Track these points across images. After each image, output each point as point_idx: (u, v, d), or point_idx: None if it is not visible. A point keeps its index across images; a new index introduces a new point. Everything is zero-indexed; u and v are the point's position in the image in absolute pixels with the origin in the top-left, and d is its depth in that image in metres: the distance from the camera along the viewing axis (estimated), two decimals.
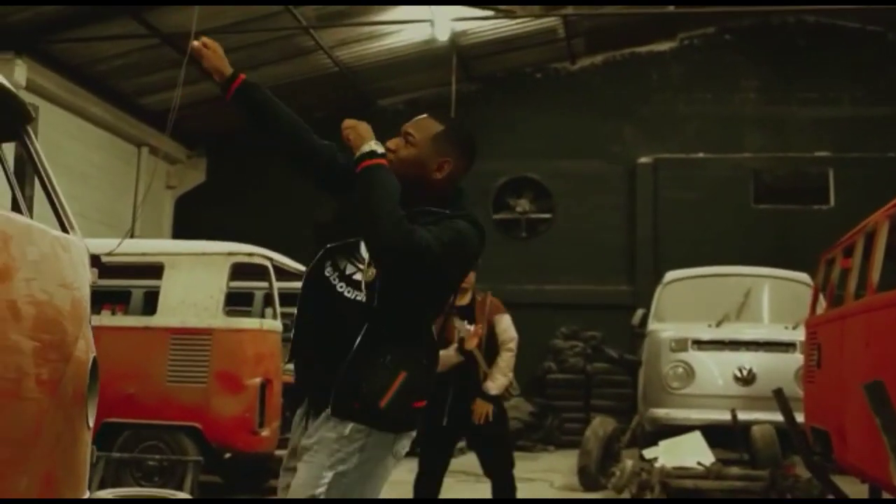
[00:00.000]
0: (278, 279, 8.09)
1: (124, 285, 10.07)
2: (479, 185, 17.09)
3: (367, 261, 2.88)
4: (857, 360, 5.46)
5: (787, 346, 9.66)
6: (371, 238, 2.80)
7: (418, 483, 5.91)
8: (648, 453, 9.18)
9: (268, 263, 7.82)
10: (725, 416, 9.12)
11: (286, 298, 8.97)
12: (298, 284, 9.00)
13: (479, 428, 5.84)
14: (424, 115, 3.12)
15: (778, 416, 8.76)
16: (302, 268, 8.81)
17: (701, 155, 17.07)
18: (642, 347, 11.06)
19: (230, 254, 7.61)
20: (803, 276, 10.45)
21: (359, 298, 2.85)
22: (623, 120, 17.45)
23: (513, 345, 6.01)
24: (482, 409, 5.79)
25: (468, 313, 5.84)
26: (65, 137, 14.73)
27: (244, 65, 15.35)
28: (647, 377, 10.52)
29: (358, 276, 2.89)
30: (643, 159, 17.17)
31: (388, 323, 2.82)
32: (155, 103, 15.93)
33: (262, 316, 9.39)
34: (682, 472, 8.45)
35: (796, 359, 9.39)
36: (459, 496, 8.35)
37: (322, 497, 2.72)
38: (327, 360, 2.83)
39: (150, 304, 9.80)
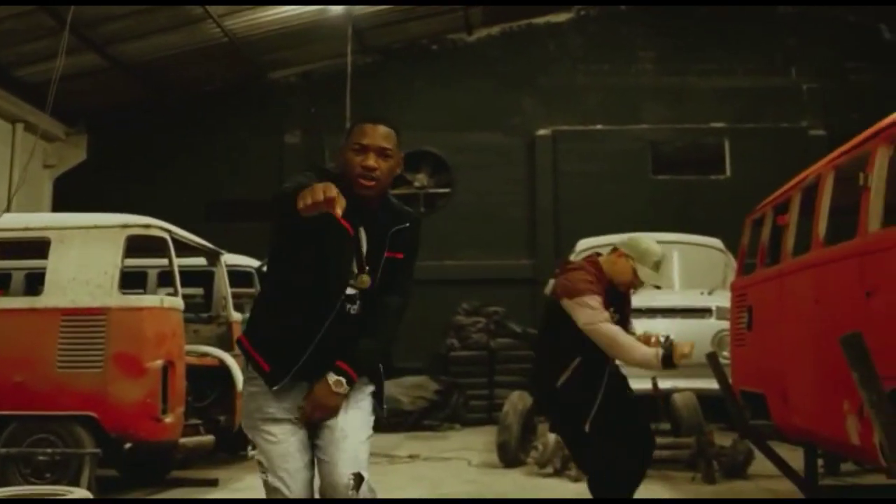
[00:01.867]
0: (176, 255, 7.49)
1: (3, 267, 9.31)
2: None
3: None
4: (803, 318, 5.25)
5: (703, 312, 9.56)
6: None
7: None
8: None
9: (166, 236, 7.21)
10: (646, 385, 8.91)
11: (183, 275, 8.40)
12: (197, 260, 8.42)
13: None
14: (383, 126, 3.34)
15: (698, 384, 8.68)
16: (201, 241, 8.23)
17: (600, 127, 17.00)
18: None
19: (125, 226, 6.97)
20: (715, 241, 10.38)
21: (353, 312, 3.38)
22: (521, 92, 17.24)
23: None
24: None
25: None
26: None
27: (132, 33, 14.53)
28: None
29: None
30: (542, 131, 17.00)
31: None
32: (30, 76, 14.91)
33: None
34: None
35: (713, 324, 9.30)
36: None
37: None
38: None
39: (32, 286, 9.07)
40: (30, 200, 15.80)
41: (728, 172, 16.71)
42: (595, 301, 4.79)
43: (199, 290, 9.75)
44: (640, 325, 9.57)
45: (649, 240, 5.09)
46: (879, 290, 4.15)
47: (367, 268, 3.31)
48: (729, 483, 7.68)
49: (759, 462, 7.77)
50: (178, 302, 7.08)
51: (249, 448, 3.20)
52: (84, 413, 6.61)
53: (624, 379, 5.13)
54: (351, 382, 3.29)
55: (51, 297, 6.81)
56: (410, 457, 9.76)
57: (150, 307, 6.86)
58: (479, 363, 15.21)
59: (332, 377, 3.25)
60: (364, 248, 3.31)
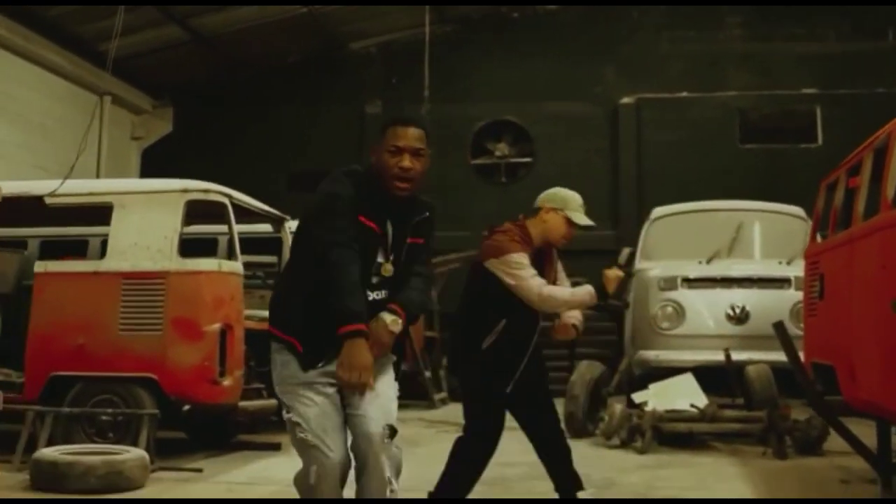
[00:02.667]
0: (239, 221, 7.51)
1: (82, 234, 9.47)
2: (456, 129, 16.53)
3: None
4: (870, 284, 4.95)
5: (781, 283, 9.20)
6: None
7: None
8: (638, 397, 8.72)
9: (226, 201, 7.22)
10: (718, 357, 8.66)
11: (250, 243, 8.43)
12: (262, 227, 8.45)
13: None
14: (414, 126, 3.54)
15: (773, 356, 8.33)
16: (264, 207, 8.24)
17: (685, 94, 16.53)
18: (629, 288, 10.56)
19: (184, 191, 7.02)
20: (797, 210, 9.97)
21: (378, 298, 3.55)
22: (604, 60, 16.86)
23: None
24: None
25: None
26: (20, 87, 14.02)
27: (210, 6, 14.68)
28: (635, 318, 10.02)
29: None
30: (625, 100, 16.62)
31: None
32: (116, 49, 15.17)
33: None
34: (675, 416, 8.02)
35: (791, 295, 8.94)
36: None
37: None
38: None
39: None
40: (118, 171, 16.17)
41: (820, 141, 16.06)
42: (523, 258, 4.62)
43: (272, 258, 9.80)
44: (716, 294, 9.36)
45: (563, 189, 4.95)
46: None
47: (391, 257, 3.53)
48: (801, 459, 7.39)
49: (834, 438, 7.45)
50: (237, 266, 7.09)
51: (284, 412, 3.23)
52: (144, 375, 6.71)
53: (544, 367, 5.11)
54: (402, 323, 3.46)
55: (112, 261, 6.91)
56: None
57: (207, 271, 6.89)
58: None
59: (388, 317, 3.43)
60: (390, 240, 3.54)
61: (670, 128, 16.23)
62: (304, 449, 3.39)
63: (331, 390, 3.44)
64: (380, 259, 3.51)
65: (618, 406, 8.36)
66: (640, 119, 16.49)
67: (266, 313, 7.96)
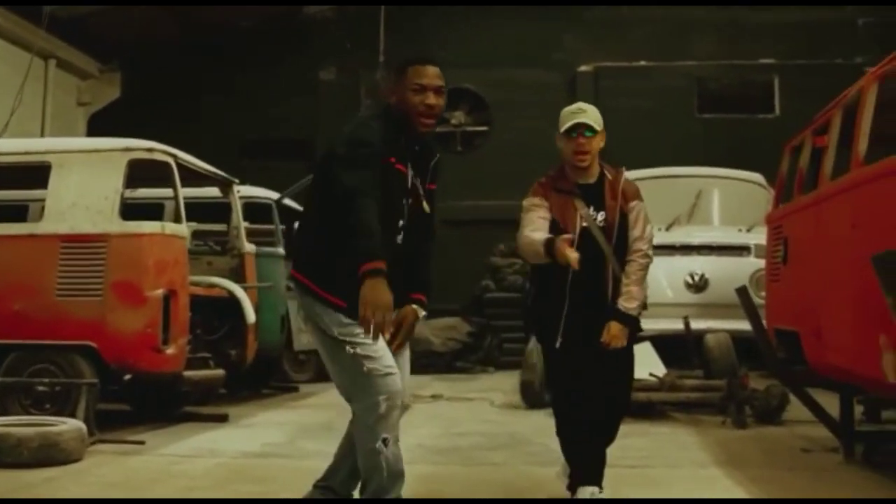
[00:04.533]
0: (186, 184, 7.19)
1: (21, 198, 9.08)
2: None
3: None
4: (839, 245, 4.80)
5: (741, 250, 9.09)
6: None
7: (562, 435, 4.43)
8: None
9: (170, 160, 6.88)
10: (677, 325, 8.51)
11: (196, 208, 8.12)
12: (209, 190, 8.14)
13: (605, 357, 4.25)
14: (432, 65, 3.63)
15: (733, 325, 8.22)
16: (211, 168, 7.92)
17: (644, 63, 16.38)
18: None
19: (126, 149, 6.67)
20: (756, 176, 9.86)
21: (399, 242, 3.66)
22: (563, 27, 16.64)
23: (648, 248, 4.33)
24: (616, 333, 4.21)
25: (595, 196, 4.36)
26: None
27: None
28: None
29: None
30: (584, 67, 16.44)
31: None
32: (62, 10, 14.63)
33: None
34: (634, 385, 7.84)
35: (752, 263, 8.83)
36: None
37: None
38: None
39: None
40: (65, 136, 15.65)
41: (777, 111, 16.02)
42: (530, 201, 4.31)
43: (221, 227, 9.51)
44: (675, 262, 9.20)
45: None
46: None
47: (422, 197, 3.68)
48: (761, 428, 7.27)
49: (793, 408, 7.36)
50: (182, 229, 6.79)
51: (347, 349, 3.26)
52: (83, 343, 6.38)
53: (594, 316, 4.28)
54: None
55: (50, 223, 6.56)
56: (433, 397, 9.47)
57: (150, 234, 6.55)
58: (515, 305, 14.80)
59: (419, 310, 3.70)
60: (416, 183, 3.67)
61: (629, 96, 16.04)
62: (373, 380, 3.47)
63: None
64: (409, 201, 3.65)
65: None
66: (598, 87, 16.28)
67: (214, 279, 7.78)
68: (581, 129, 4.35)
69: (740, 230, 9.29)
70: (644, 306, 4.39)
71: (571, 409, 4.31)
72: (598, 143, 4.44)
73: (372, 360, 3.47)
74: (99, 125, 17.01)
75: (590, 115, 4.44)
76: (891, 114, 4.68)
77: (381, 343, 3.49)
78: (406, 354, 3.76)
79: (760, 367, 8.58)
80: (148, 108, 16.76)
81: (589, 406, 4.26)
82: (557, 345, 4.23)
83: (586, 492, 4.25)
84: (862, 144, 4.57)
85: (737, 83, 16.24)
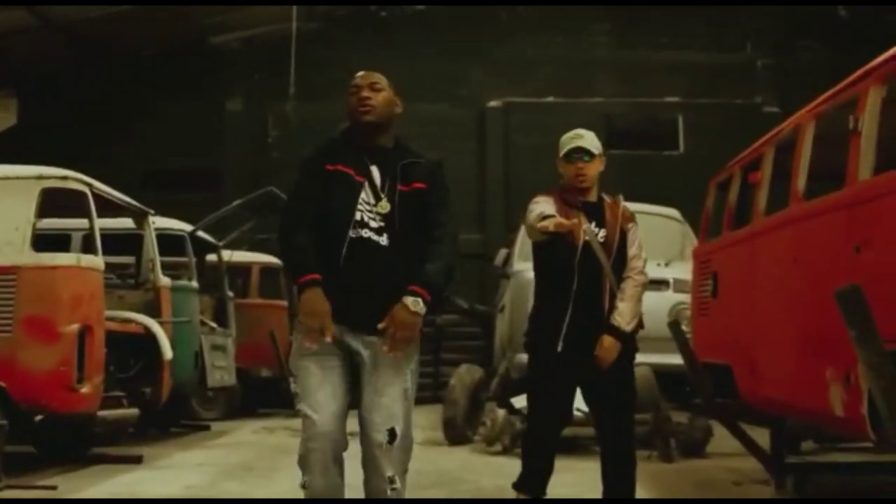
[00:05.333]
0: (99, 215, 6.91)
1: None
2: (318, 129, 16.03)
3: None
4: (777, 280, 4.84)
5: (660, 284, 9.15)
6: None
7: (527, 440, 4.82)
8: (518, 402, 8.48)
9: (86, 189, 6.61)
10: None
11: (105, 240, 7.79)
12: (123, 221, 7.85)
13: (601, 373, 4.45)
14: (370, 72, 3.78)
15: (654, 359, 8.25)
16: (126, 199, 7.63)
17: (552, 99, 16.61)
18: (505, 289, 10.38)
19: (39, 177, 6.36)
20: (672, 212, 10.00)
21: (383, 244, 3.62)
22: (472, 62, 16.81)
23: (644, 267, 4.72)
24: (608, 346, 4.41)
25: (596, 214, 4.60)
26: None
27: None
28: (512, 321, 9.81)
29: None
30: (493, 103, 16.62)
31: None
32: None
33: None
34: None
35: (670, 297, 8.92)
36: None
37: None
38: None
39: None
40: None
41: (681, 148, 16.45)
42: (539, 198, 4.54)
43: (130, 259, 9.18)
44: None
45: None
46: (872, 243, 3.74)
47: (383, 196, 3.59)
48: (687, 461, 7.32)
49: (717, 440, 7.43)
50: (98, 262, 6.50)
51: (291, 381, 3.76)
52: None
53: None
54: (426, 302, 3.44)
55: None
56: (350, 434, 9.24)
57: (65, 266, 6.27)
58: (425, 340, 14.68)
59: (408, 299, 3.43)
60: (378, 182, 3.62)
61: (538, 132, 16.20)
62: (301, 416, 3.56)
63: (336, 362, 3.55)
64: (372, 199, 3.60)
65: (500, 411, 8.12)
66: (507, 122, 16.50)
67: (130, 314, 7.47)
68: (580, 153, 4.60)
69: (658, 264, 9.37)
70: (641, 325, 4.66)
71: (547, 423, 4.59)
72: (598, 166, 4.70)
73: (299, 400, 3.57)
74: None
75: (587, 139, 4.72)
76: (825, 150, 4.76)
77: (316, 382, 3.52)
78: (392, 382, 3.56)
79: (678, 400, 8.68)
80: (45, 137, 16.24)
81: (602, 437, 4.65)
82: (559, 348, 4.40)
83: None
84: (801, 181, 4.64)
85: (643, 120, 16.60)
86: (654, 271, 9.21)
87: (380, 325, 3.44)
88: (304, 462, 3.52)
